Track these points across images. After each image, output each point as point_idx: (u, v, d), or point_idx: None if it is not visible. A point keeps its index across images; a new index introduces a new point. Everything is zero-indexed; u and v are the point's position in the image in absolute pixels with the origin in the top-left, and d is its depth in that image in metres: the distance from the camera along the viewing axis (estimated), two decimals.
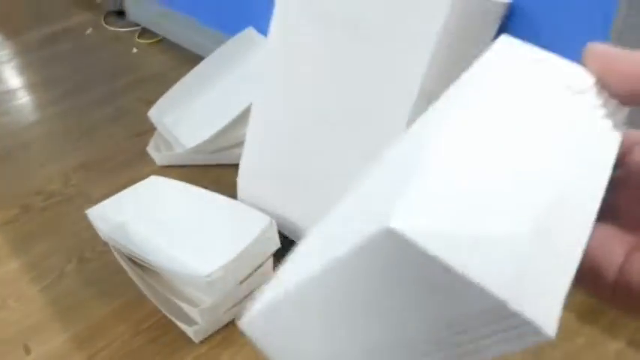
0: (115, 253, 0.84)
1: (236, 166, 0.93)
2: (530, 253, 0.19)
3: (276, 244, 0.77)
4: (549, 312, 0.19)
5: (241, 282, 0.74)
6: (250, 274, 0.75)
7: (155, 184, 0.89)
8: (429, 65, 0.67)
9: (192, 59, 1.27)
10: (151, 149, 1.11)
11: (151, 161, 1.12)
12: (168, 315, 0.77)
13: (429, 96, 0.69)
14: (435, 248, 0.17)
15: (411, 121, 0.71)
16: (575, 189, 0.21)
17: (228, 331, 0.79)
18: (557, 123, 0.22)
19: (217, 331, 0.78)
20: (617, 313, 0.74)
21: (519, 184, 0.20)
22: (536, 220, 0.19)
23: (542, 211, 0.20)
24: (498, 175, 0.20)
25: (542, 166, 0.21)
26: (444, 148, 0.20)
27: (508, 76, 0.24)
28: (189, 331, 0.75)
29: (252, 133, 0.90)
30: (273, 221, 0.75)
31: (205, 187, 0.88)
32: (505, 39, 0.26)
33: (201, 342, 0.77)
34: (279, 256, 0.79)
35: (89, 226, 0.95)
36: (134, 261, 0.80)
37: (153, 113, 1.13)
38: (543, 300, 0.19)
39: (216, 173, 1.07)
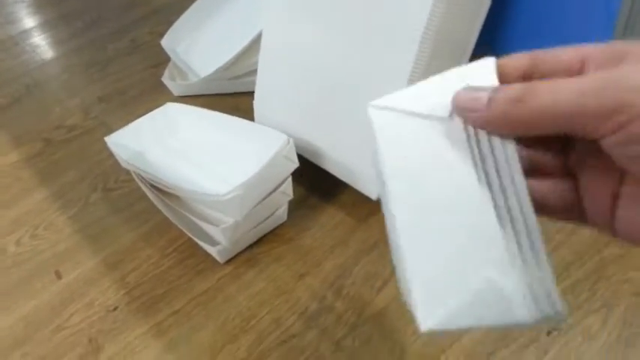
0: (137, 180, 0.84)
1: (253, 93, 0.91)
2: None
3: (294, 163, 0.75)
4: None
5: (262, 201, 0.74)
6: (270, 194, 0.74)
7: (171, 110, 0.88)
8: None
9: None
10: (166, 79, 1.10)
11: (168, 92, 1.10)
12: (192, 237, 0.78)
13: (436, 31, 0.65)
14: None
15: (422, 47, 0.68)
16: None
17: (253, 252, 0.79)
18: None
19: (242, 252, 0.79)
20: None
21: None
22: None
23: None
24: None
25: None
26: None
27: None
28: (213, 251, 0.76)
29: (264, 57, 0.87)
30: (291, 140, 0.73)
31: None
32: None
33: (226, 262, 0.78)
34: (298, 176, 0.78)
35: (111, 156, 0.95)
36: (156, 186, 0.80)
37: (165, 42, 1.11)
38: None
39: (233, 101, 1.06)
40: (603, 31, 0.67)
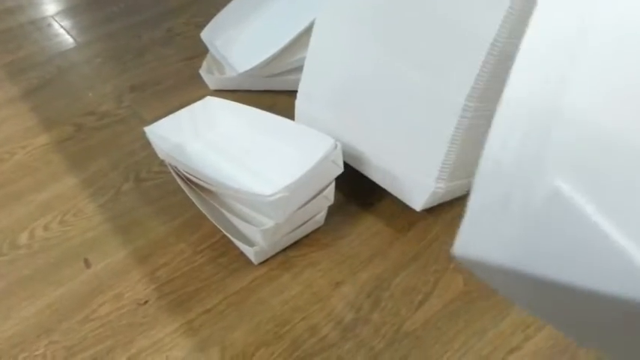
0: (173, 172, 0.82)
1: (291, 92, 0.89)
2: None
3: (340, 168, 0.73)
4: None
5: (304, 204, 0.72)
6: (313, 198, 0.72)
7: (212, 104, 0.86)
8: (507, 13, 0.61)
9: None
10: (203, 72, 1.08)
11: (203, 85, 1.09)
12: (228, 235, 0.76)
13: (504, 43, 0.63)
14: None
15: (482, 72, 0.66)
16: None
17: (287, 255, 0.77)
18: None
19: (276, 255, 0.77)
20: None
21: None
22: None
23: None
24: None
25: None
26: None
27: None
28: (249, 252, 0.74)
29: (312, 56, 0.85)
30: (339, 144, 0.72)
31: None
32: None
33: (260, 264, 0.76)
34: (338, 181, 0.76)
35: (144, 147, 0.94)
36: (192, 181, 0.78)
37: (205, 34, 1.09)
38: None
39: (269, 98, 1.04)
40: None
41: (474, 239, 0.23)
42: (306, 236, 0.79)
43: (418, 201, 0.76)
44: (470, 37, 0.65)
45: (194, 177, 0.76)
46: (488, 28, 0.62)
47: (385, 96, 0.75)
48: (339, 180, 0.76)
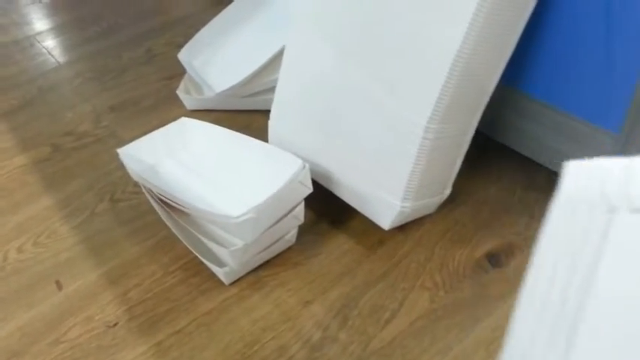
0: (146, 193, 0.83)
1: (267, 112, 0.90)
2: None
3: (308, 188, 0.74)
4: None
5: (273, 225, 0.73)
6: (282, 218, 0.73)
7: (186, 124, 0.88)
8: (469, 29, 0.62)
9: (223, 0, 1.23)
10: (180, 92, 1.09)
11: (181, 105, 1.10)
12: (198, 256, 0.76)
13: (467, 60, 0.64)
14: None
15: (444, 91, 0.67)
16: None
17: (259, 275, 0.78)
18: None
19: (247, 275, 0.78)
20: None
21: None
22: None
23: None
24: None
25: None
26: None
27: None
28: (219, 272, 0.74)
29: (284, 77, 0.87)
30: (307, 165, 0.73)
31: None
32: None
33: (231, 284, 0.77)
34: (309, 200, 0.77)
35: (120, 167, 0.95)
36: (165, 202, 0.79)
37: (182, 55, 1.11)
38: None
39: (246, 118, 1.05)
40: (626, 77, 0.67)
41: None
42: (278, 255, 0.80)
43: (386, 220, 0.77)
44: (432, 53, 0.66)
45: (166, 198, 0.77)
46: (450, 43, 0.64)
47: (353, 116, 0.77)
48: (311, 199, 0.77)
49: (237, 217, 0.67)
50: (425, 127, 0.69)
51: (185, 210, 0.76)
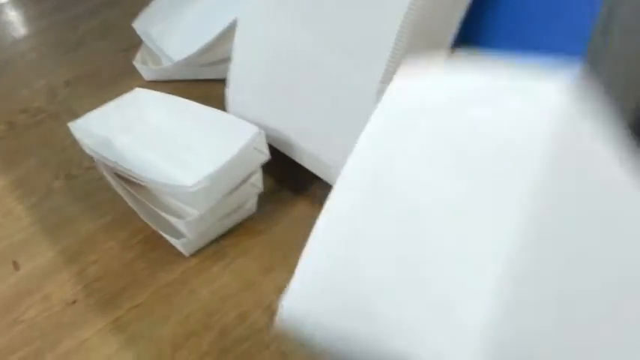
0: (101, 168, 0.81)
1: (226, 80, 0.88)
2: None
3: (265, 155, 0.73)
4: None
5: (229, 193, 0.71)
6: (239, 186, 0.72)
7: (140, 96, 0.85)
8: None
9: None
10: (137, 63, 1.06)
11: (139, 76, 1.07)
12: (156, 229, 0.75)
13: (418, 16, 0.63)
14: None
15: (396, 49, 0.66)
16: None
17: (220, 244, 0.77)
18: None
19: (208, 245, 0.77)
20: None
21: None
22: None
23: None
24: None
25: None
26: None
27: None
28: (177, 244, 0.73)
29: (240, 44, 0.84)
30: (262, 132, 0.71)
31: (194, 102, 0.83)
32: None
33: (192, 255, 0.76)
34: (270, 168, 0.75)
35: (75, 143, 0.91)
36: (120, 175, 0.77)
37: (138, 25, 1.07)
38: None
39: (205, 88, 1.02)
40: (582, 31, 0.65)
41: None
42: (239, 224, 0.79)
43: None
44: (382, 13, 0.64)
45: (121, 171, 0.75)
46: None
47: (309, 82, 0.75)
48: (272, 167, 0.75)
49: (191, 186, 0.66)
50: (379, 87, 0.67)
51: (140, 183, 0.74)
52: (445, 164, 0.25)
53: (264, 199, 0.80)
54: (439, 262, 0.23)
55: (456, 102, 0.26)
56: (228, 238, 0.78)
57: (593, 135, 0.24)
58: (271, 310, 0.69)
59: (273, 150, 0.81)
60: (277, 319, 0.26)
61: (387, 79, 0.67)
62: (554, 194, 0.23)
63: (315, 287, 0.26)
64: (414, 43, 0.66)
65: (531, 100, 0.23)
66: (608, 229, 0.25)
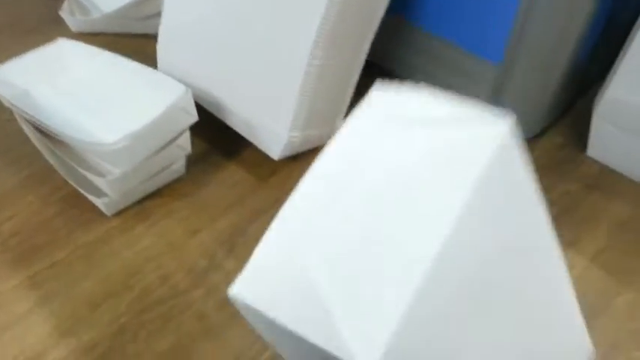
0: (20, 121, 0.77)
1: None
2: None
3: (193, 116, 0.72)
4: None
5: (155, 154, 0.70)
6: (165, 146, 0.71)
7: (64, 47, 0.81)
8: None
9: None
10: (64, 13, 1.00)
11: (66, 27, 1.01)
12: (77, 187, 0.73)
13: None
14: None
15: (327, 14, 0.66)
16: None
17: (144, 205, 0.76)
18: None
19: (132, 205, 0.75)
20: None
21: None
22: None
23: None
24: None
25: None
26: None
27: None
28: (99, 203, 0.71)
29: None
30: (189, 90, 0.70)
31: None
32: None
33: (115, 215, 0.74)
34: (200, 129, 0.74)
35: None
36: (40, 130, 0.74)
37: None
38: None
39: (139, 43, 0.98)
40: (506, 6, 0.67)
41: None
42: (166, 186, 0.78)
43: (275, 150, 0.77)
44: None
45: (40, 126, 0.72)
46: None
47: (239, 43, 0.74)
48: (202, 129, 0.74)
49: (112, 144, 0.64)
50: (309, 53, 0.67)
51: (61, 139, 0.71)
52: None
53: (193, 161, 0.79)
54: (369, 266, 0.26)
55: (422, 120, 0.28)
56: (154, 200, 0.77)
57: (522, 169, 0.28)
58: (195, 273, 0.69)
59: (204, 111, 0.80)
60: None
61: (317, 45, 0.67)
62: (479, 215, 0.26)
63: (263, 277, 0.29)
64: (345, 11, 0.66)
65: (477, 129, 0.26)
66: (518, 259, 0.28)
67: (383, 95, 0.31)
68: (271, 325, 0.27)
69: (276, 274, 0.28)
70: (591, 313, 0.64)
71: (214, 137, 0.84)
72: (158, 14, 0.98)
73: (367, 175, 0.28)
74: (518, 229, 0.29)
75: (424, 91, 0.29)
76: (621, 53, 0.65)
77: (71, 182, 0.72)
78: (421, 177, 0.26)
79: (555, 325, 0.34)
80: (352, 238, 0.27)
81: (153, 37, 0.97)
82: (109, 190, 0.69)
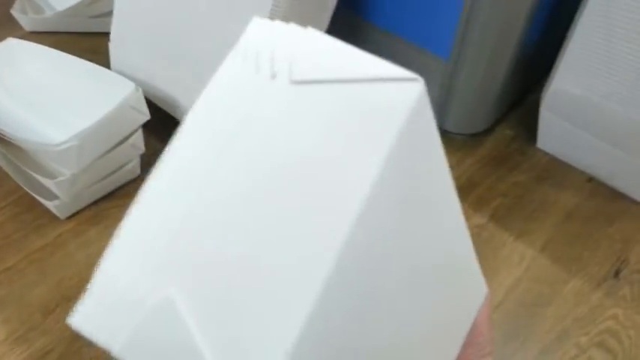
0: None
1: None
2: None
3: (144, 114, 0.71)
4: None
5: (106, 153, 0.69)
6: (117, 146, 0.70)
7: (13, 47, 0.79)
8: None
9: None
10: (16, 12, 0.97)
11: (19, 27, 0.99)
12: (28, 190, 0.71)
13: None
14: None
15: None
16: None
17: (99, 207, 0.75)
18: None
19: (87, 208, 0.74)
20: (484, 191, 0.77)
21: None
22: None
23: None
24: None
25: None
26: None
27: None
28: (50, 206, 0.70)
29: None
30: (139, 88, 0.69)
31: (79, 57, 0.79)
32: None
33: (68, 218, 0.73)
34: (156, 129, 0.73)
35: None
36: None
37: None
38: None
39: (92, 41, 0.97)
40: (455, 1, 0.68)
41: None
42: (121, 187, 0.77)
43: None
44: None
45: None
46: None
47: (193, 40, 0.73)
48: (158, 128, 0.73)
49: (58, 144, 0.63)
50: None
51: (6, 139, 0.69)
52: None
53: (148, 161, 0.78)
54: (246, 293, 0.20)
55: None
56: (109, 201, 0.76)
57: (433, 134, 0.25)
58: None
59: (159, 110, 0.79)
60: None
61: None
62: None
63: (104, 306, 0.22)
64: (296, 1, 0.65)
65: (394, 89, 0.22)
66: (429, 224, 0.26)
67: (260, 34, 0.23)
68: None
69: (118, 303, 0.21)
70: (542, 301, 0.66)
71: (170, 136, 0.83)
72: (112, 12, 0.97)
73: (242, 151, 0.20)
74: (429, 199, 0.25)
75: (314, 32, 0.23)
76: (564, 44, 0.66)
77: (22, 185, 0.71)
78: (317, 153, 0.20)
79: (458, 276, 0.32)
80: (219, 248, 0.20)
81: (108, 35, 0.95)
82: (59, 192, 0.67)
